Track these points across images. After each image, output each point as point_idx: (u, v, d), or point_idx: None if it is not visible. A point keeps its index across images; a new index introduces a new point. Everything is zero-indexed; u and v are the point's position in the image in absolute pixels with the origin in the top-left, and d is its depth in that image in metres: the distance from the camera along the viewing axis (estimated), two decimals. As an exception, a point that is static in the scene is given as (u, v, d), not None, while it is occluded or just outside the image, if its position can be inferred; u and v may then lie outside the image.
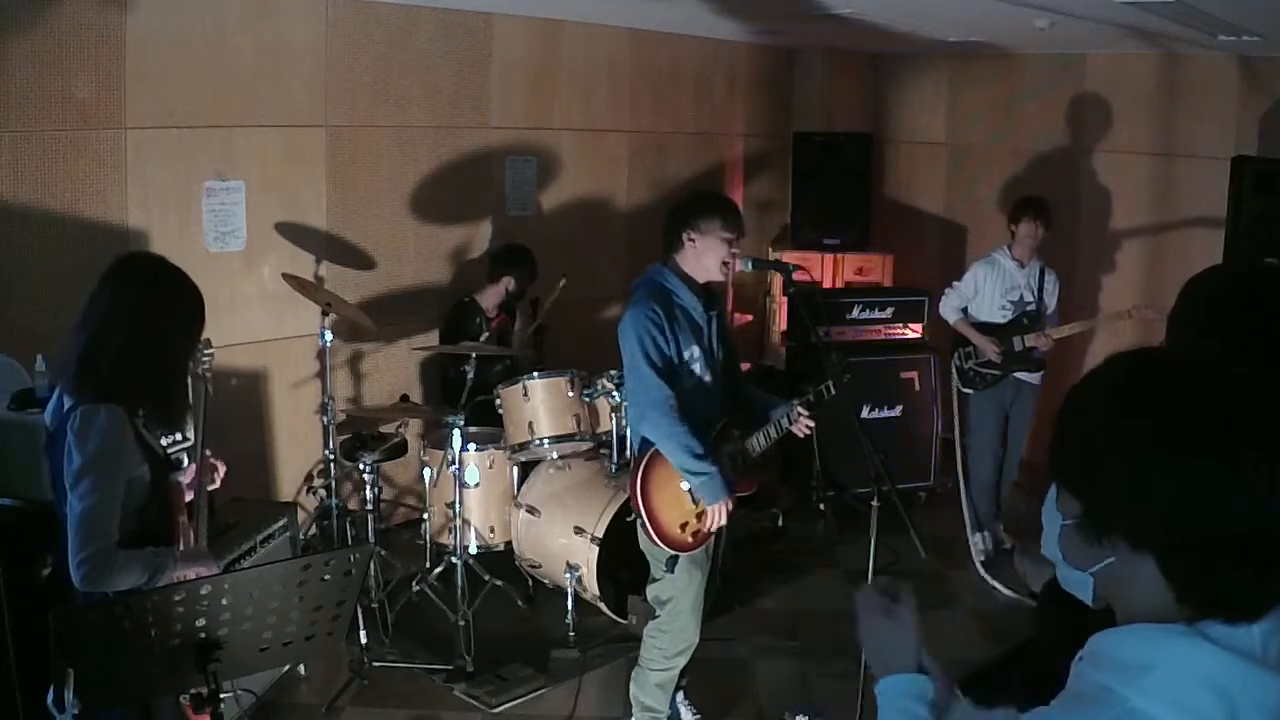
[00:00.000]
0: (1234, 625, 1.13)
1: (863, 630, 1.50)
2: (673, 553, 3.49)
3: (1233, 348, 1.71)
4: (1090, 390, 1.24)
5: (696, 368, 3.50)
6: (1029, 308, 5.36)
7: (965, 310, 5.45)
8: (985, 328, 5.36)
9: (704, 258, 3.48)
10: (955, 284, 5.50)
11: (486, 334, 5.25)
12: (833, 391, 3.44)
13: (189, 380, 2.72)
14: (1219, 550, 1.12)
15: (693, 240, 3.48)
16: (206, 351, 2.93)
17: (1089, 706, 1.14)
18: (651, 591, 3.62)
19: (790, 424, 3.49)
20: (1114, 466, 1.17)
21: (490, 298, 5.37)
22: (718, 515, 3.46)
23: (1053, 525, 1.27)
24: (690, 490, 3.51)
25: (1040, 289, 5.40)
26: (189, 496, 2.73)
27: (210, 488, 2.78)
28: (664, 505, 3.49)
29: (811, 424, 3.48)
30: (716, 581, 3.82)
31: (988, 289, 5.37)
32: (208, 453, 2.78)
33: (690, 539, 3.51)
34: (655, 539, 3.48)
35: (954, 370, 5.55)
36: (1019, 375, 5.34)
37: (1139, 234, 6.36)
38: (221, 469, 2.83)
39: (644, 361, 3.39)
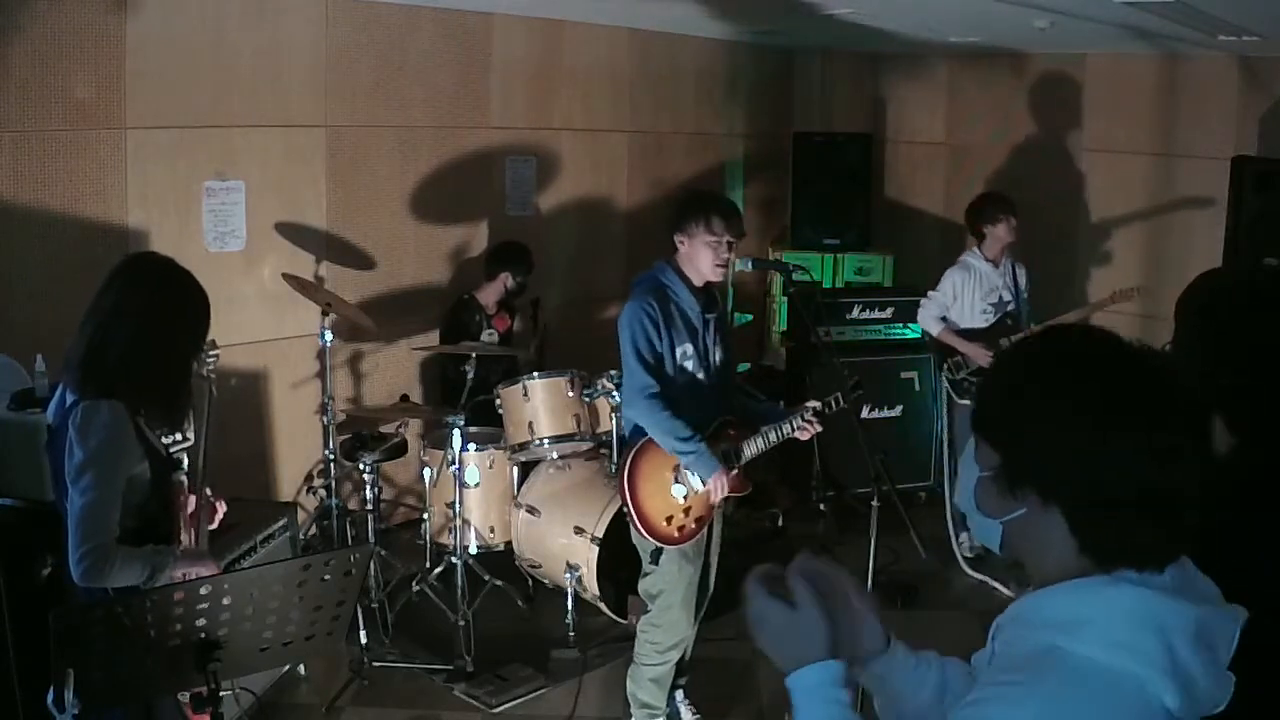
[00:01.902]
0: (1141, 572, 1.22)
1: (758, 628, 1.42)
2: (657, 545, 3.52)
3: (1229, 354, 1.71)
4: (1018, 353, 1.34)
5: (689, 366, 3.52)
6: (1009, 308, 5.32)
7: (945, 319, 5.36)
8: (970, 334, 5.29)
9: (695, 260, 3.50)
10: (931, 293, 5.39)
11: (489, 330, 5.27)
12: (842, 405, 3.47)
13: (192, 382, 2.72)
14: (1122, 506, 1.20)
15: (682, 243, 3.51)
16: (211, 353, 2.92)
17: (1041, 670, 1.20)
18: (642, 586, 3.63)
19: (794, 430, 3.51)
20: (1031, 424, 1.25)
21: (490, 295, 5.38)
22: (715, 490, 3.49)
23: (970, 477, 1.35)
24: (682, 493, 3.54)
25: (1016, 286, 5.37)
26: (191, 505, 2.72)
27: (209, 528, 2.75)
28: (649, 496, 3.52)
29: (819, 428, 3.50)
30: (710, 581, 3.82)
31: (966, 295, 5.28)
32: (208, 491, 2.76)
33: (676, 533, 3.53)
34: (641, 530, 3.51)
35: (946, 382, 5.50)
36: None
37: (1138, 234, 6.36)
38: (221, 508, 2.80)
39: (633, 354, 3.44)
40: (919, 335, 6.20)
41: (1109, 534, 1.22)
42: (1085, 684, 1.17)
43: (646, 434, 3.52)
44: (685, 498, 3.54)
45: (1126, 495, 1.20)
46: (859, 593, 1.47)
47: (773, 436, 3.56)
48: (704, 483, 3.50)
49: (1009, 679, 1.22)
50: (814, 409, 3.51)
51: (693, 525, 3.56)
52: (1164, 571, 1.23)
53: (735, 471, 3.59)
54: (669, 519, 3.53)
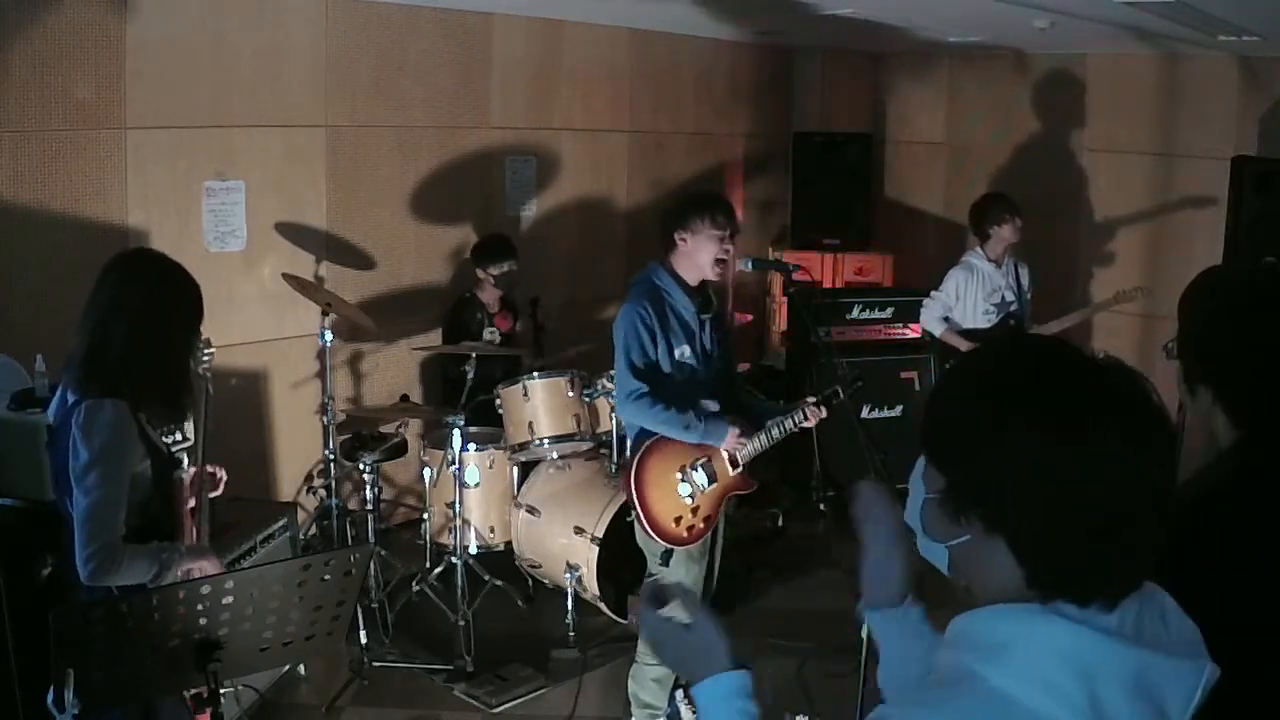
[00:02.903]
0: (1085, 609, 1.15)
1: (659, 651, 1.49)
2: (667, 546, 3.52)
3: (1230, 351, 1.71)
4: (959, 373, 1.28)
5: (689, 366, 3.52)
6: (1012, 308, 5.32)
7: (948, 319, 5.37)
8: (973, 335, 5.29)
9: (696, 256, 3.50)
10: (934, 293, 5.40)
11: (490, 328, 5.27)
12: (842, 397, 3.47)
13: (190, 377, 2.72)
14: (1069, 538, 1.13)
15: (684, 239, 3.51)
16: (207, 351, 2.93)
17: (951, 691, 1.15)
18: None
19: (796, 425, 3.52)
20: (975, 449, 1.18)
21: (488, 293, 5.37)
22: (733, 445, 3.52)
23: (917, 495, 1.29)
24: (689, 492, 3.54)
25: (1019, 286, 5.37)
26: (191, 503, 2.73)
27: (212, 494, 2.78)
28: (658, 499, 3.52)
29: (824, 413, 3.51)
30: (713, 581, 3.82)
31: (969, 295, 5.30)
32: (208, 466, 2.78)
33: (685, 533, 3.54)
34: (650, 532, 3.51)
35: None
36: None
37: (1139, 234, 6.36)
38: (221, 474, 2.83)
39: (624, 358, 3.46)
40: (919, 335, 6.20)
41: (1055, 566, 1.15)
42: (992, 714, 1.11)
43: (650, 437, 3.53)
44: (692, 497, 3.55)
45: (1074, 527, 1.13)
46: (899, 542, 1.46)
47: (776, 433, 3.57)
48: (719, 445, 3.51)
49: (922, 696, 1.19)
50: (814, 401, 3.52)
51: (700, 525, 3.57)
52: (1114, 609, 1.16)
53: (740, 470, 3.60)
54: (678, 519, 3.53)
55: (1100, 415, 1.14)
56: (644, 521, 3.51)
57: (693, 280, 3.55)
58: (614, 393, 4.56)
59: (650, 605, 1.49)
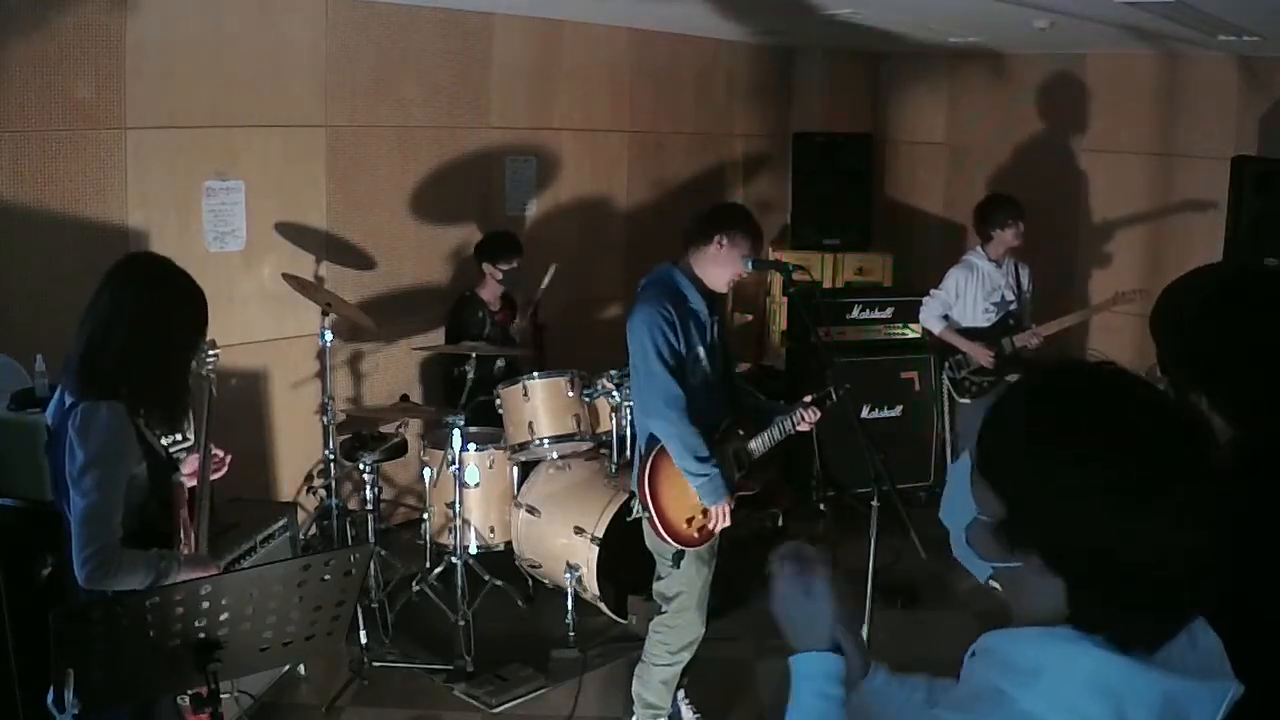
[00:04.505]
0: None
1: (778, 602, 1.47)
2: (679, 548, 3.51)
3: (1216, 351, 1.70)
4: (1031, 400, 1.24)
5: (703, 366, 3.52)
6: (1011, 307, 5.33)
7: (947, 318, 5.39)
8: (971, 333, 5.31)
9: (724, 265, 3.48)
10: (934, 291, 5.41)
11: (489, 327, 5.27)
12: (834, 399, 3.48)
13: (192, 381, 2.72)
14: (1120, 585, 1.13)
15: (721, 245, 3.46)
16: (211, 353, 2.93)
17: (981, 706, 1.17)
18: (658, 588, 3.63)
19: (795, 425, 3.52)
20: (1045, 490, 1.16)
21: (488, 290, 5.36)
22: (719, 517, 3.48)
23: (959, 493, 1.29)
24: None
25: (1019, 285, 5.38)
26: (192, 483, 2.74)
27: (215, 476, 2.79)
28: (671, 501, 3.52)
29: (819, 413, 3.51)
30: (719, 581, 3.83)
31: (969, 294, 5.31)
32: (211, 446, 2.79)
33: (696, 534, 3.54)
34: (663, 534, 3.50)
35: (946, 381, 5.51)
36: (1013, 379, 5.27)
37: (1139, 235, 6.36)
38: (224, 455, 2.84)
39: (656, 359, 3.39)
40: (919, 335, 6.20)
41: (1108, 615, 1.15)
42: None
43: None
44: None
45: (1138, 579, 1.12)
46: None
47: (776, 433, 3.57)
48: (709, 505, 3.47)
49: (952, 712, 1.20)
50: (809, 401, 3.52)
51: (711, 525, 3.57)
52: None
53: (745, 470, 3.60)
54: (690, 520, 3.53)
55: (1169, 463, 1.13)
56: (657, 523, 3.50)
57: (710, 284, 3.54)
58: (618, 390, 4.59)
59: (792, 561, 1.49)
